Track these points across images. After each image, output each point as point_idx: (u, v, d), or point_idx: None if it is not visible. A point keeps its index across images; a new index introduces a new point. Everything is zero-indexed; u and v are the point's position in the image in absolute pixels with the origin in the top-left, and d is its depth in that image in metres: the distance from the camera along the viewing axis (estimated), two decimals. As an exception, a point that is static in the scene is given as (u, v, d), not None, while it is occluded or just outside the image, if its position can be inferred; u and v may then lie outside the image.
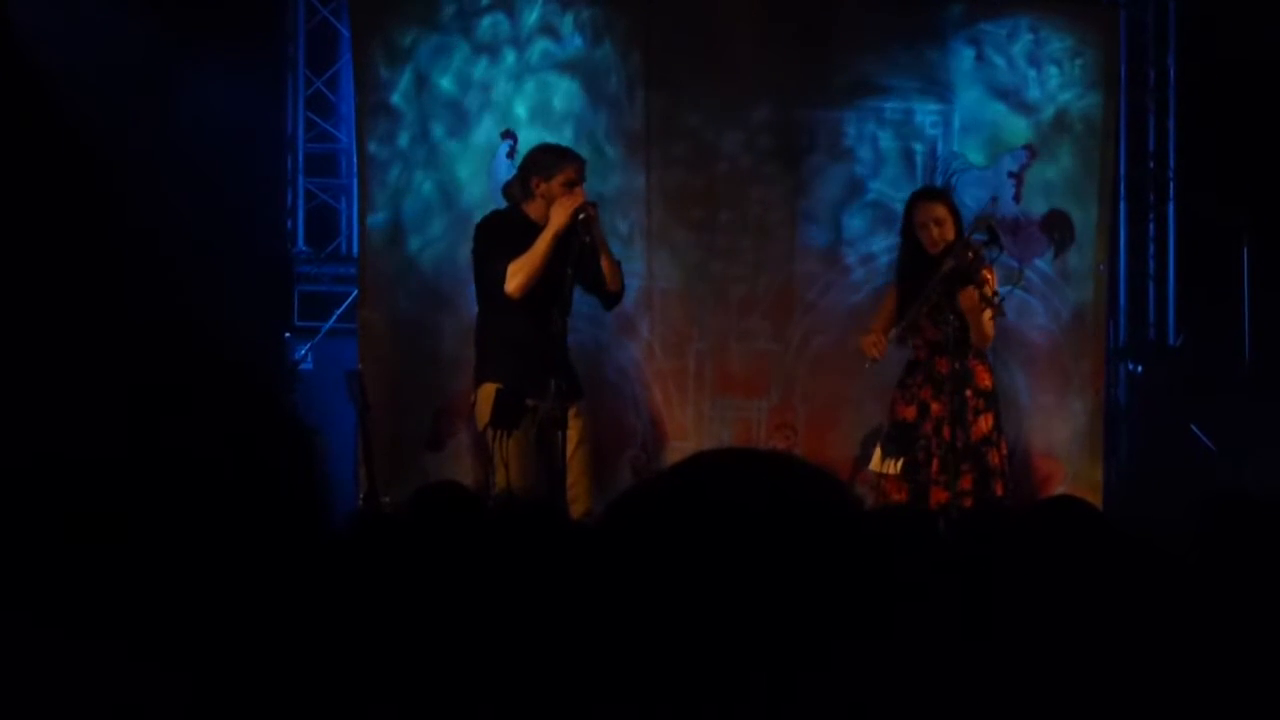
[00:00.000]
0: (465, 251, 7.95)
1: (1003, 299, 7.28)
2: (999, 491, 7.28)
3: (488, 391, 7.07)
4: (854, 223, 8.68)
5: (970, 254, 7.23)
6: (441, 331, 8.21)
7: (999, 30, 8.87)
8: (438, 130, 8.28)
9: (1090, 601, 2.03)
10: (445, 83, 8.30)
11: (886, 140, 8.73)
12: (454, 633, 2.00)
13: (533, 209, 7.22)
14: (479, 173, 8.26)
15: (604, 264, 7.23)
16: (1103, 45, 9.06)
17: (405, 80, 8.25)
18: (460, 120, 8.30)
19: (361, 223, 8.37)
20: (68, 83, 8.31)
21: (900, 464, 7.35)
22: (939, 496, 7.25)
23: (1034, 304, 8.80)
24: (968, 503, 7.16)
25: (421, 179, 8.25)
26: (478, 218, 7.81)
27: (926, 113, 8.80)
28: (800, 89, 8.64)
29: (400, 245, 8.22)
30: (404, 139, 8.26)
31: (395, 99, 8.25)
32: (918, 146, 8.79)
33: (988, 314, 7.28)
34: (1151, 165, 10.02)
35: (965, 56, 8.82)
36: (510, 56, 8.36)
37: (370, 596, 2.01)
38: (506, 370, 7.10)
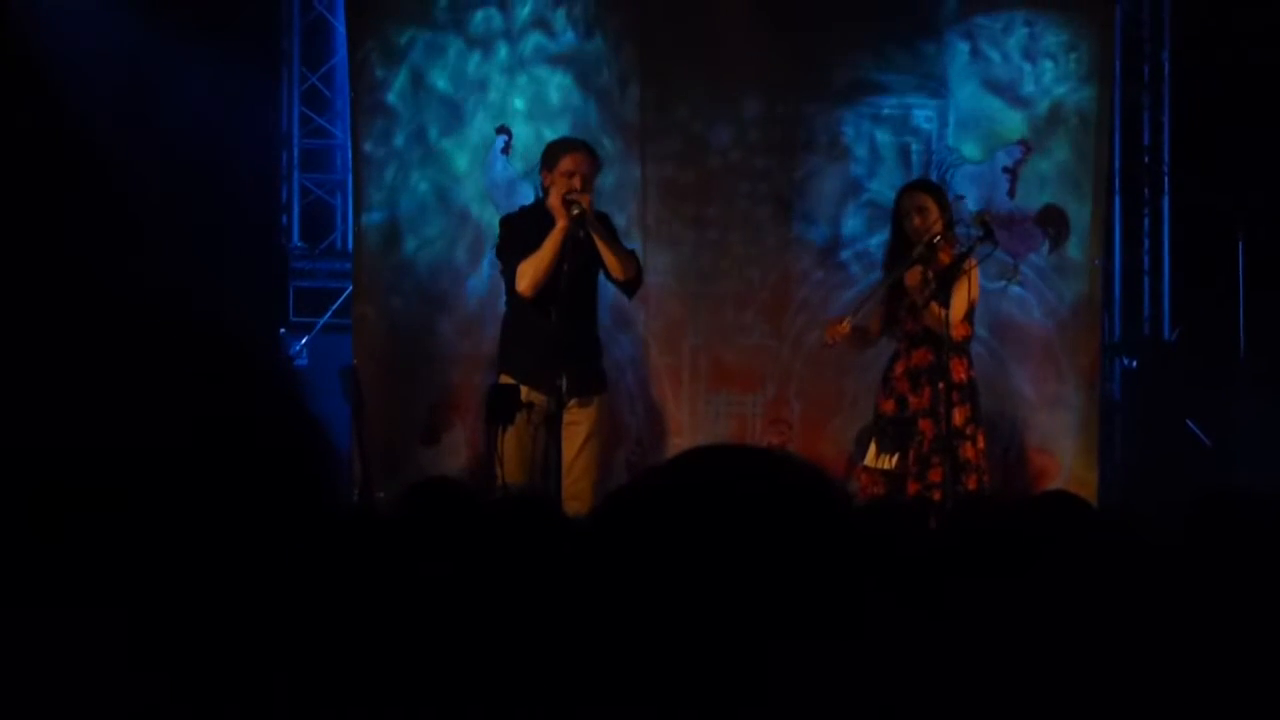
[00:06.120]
0: (461, 248, 7.97)
1: (935, 287, 7.27)
2: (971, 485, 7.26)
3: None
4: (849, 219, 8.67)
5: (935, 238, 7.28)
6: (437, 327, 8.22)
7: (994, 25, 8.85)
8: (433, 127, 8.28)
9: (1080, 596, 2.04)
10: (440, 80, 8.29)
11: (881, 135, 8.72)
12: (447, 629, 2.00)
13: (549, 201, 7.22)
14: (474, 169, 8.26)
15: (605, 255, 7.21)
16: (1098, 39, 9.04)
17: (400, 79, 8.24)
18: (455, 117, 8.29)
19: (356, 219, 8.36)
20: (61, 77, 8.31)
21: (895, 459, 7.35)
22: (912, 488, 7.27)
23: (1029, 299, 8.80)
24: (936, 495, 7.15)
25: (417, 176, 8.24)
26: (474, 214, 7.83)
27: (921, 108, 8.79)
28: (793, 84, 8.62)
29: (396, 242, 8.21)
30: (399, 137, 8.25)
31: (390, 98, 8.24)
32: (913, 142, 8.78)
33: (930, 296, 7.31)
34: (1146, 159, 10.03)
35: (960, 51, 8.81)
36: (503, 51, 8.36)
37: (363, 593, 2.01)
38: (515, 364, 7.17)
